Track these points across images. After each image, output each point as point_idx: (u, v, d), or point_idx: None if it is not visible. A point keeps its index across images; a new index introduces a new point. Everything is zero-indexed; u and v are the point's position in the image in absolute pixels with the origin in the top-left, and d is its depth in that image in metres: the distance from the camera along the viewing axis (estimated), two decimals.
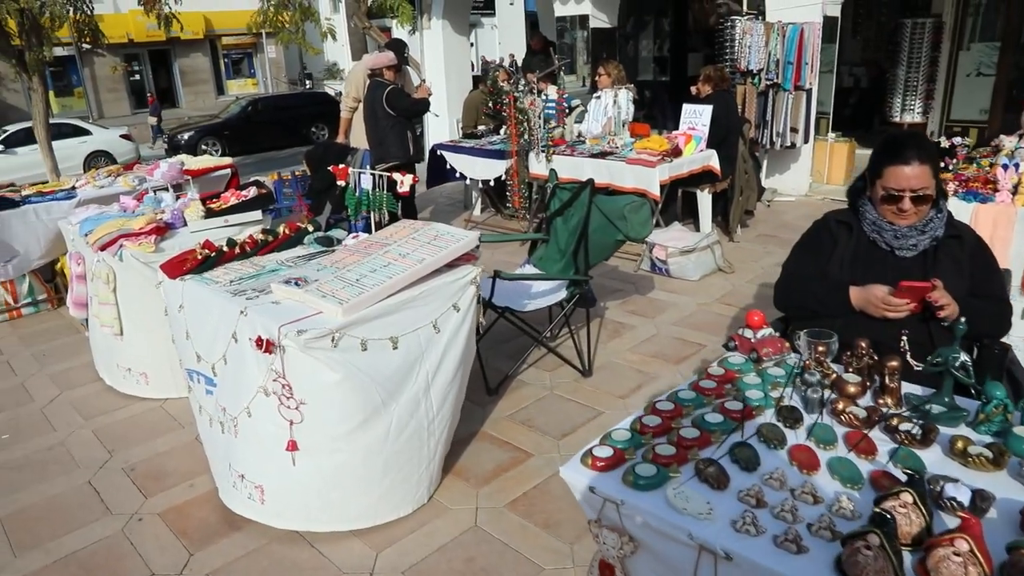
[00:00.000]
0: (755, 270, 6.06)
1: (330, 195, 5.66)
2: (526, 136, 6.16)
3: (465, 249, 3.08)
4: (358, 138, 7.00)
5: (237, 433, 2.93)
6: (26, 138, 13.46)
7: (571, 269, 4.16)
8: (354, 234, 3.58)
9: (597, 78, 7.23)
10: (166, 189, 5.14)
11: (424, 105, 6.61)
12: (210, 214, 4.14)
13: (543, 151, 6.17)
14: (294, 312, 2.73)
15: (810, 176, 8.80)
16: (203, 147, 16.62)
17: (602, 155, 6.00)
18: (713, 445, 1.87)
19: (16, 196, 5.61)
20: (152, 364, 4.11)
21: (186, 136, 16.70)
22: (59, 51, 17.12)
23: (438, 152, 7.07)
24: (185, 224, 4.22)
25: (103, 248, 3.88)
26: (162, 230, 3.98)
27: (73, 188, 5.88)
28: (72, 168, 13.15)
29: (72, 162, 13.50)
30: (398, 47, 6.68)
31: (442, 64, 10.94)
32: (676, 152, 5.76)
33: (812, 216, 7.54)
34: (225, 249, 3.43)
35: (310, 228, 3.67)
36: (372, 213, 3.69)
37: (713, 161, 6.19)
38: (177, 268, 3.32)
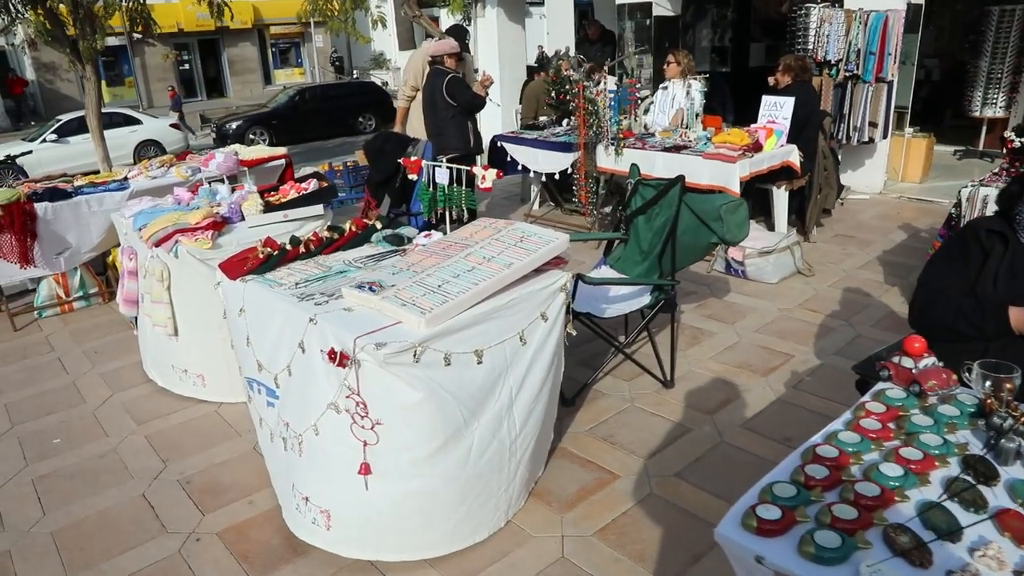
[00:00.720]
0: (836, 273, 5.64)
1: (389, 188, 5.39)
2: (595, 128, 5.80)
3: (556, 252, 2.77)
4: (415, 129, 6.72)
5: (302, 452, 2.67)
6: (79, 127, 13.51)
7: (655, 272, 3.82)
8: (426, 232, 3.29)
9: (665, 67, 6.84)
10: (221, 181, 4.93)
11: (481, 103, 6.29)
12: (269, 208, 3.89)
13: (612, 144, 5.81)
14: (369, 321, 2.45)
15: (885, 173, 8.27)
16: (251, 136, 16.58)
17: (675, 149, 5.62)
18: (897, 504, 1.52)
19: (68, 187, 5.45)
20: (209, 366, 3.89)
21: (234, 125, 16.65)
22: (111, 40, 17.25)
23: (498, 143, 6.77)
24: (242, 218, 3.98)
25: (158, 244, 3.66)
26: (219, 225, 3.74)
27: (125, 179, 5.71)
28: (123, 157, 13.18)
29: (123, 151, 13.53)
30: (459, 34, 6.38)
31: (496, 54, 10.61)
32: (757, 147, 5.36)
33: (888, 216, 7.06)
34: (288, 247, 3.17)
35: (378, 225, 3.39)
36: (448, 210, 3.39)
37: (793, 157, 5.77)
38: (237, 268, 3.07)
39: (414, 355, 2.31)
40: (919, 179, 8.41)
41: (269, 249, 3.11)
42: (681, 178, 3.63)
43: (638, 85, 6.32)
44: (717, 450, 3.41)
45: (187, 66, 22.04)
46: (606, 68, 7.13)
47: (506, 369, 2.62)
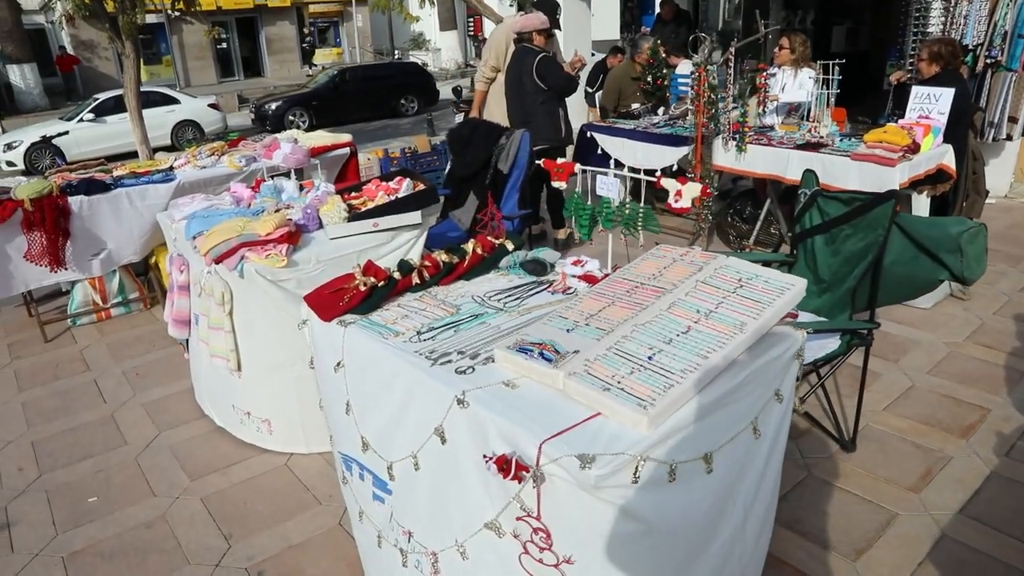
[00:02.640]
0: (996, 297, 4.75)
1: (476, 185, 4.60)
2: (716, 120, 4.94)
3: (794, 303, 1.96)
4: (493, 116, 5.92)
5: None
6: (115, 107, 12.92)
7: (844, 310, 2.99)
8: (576, 260, 2.49)
9: (776, 51, 5.94)
10: (286, 175, 4.18)
11: (575, 86, 5.47)
12: (355, 216, 3.12)
13: (735, 138, 4.95)
14: (547, 408, 1.66)
15: (1012, 175, 7.31)
16: (290, 118, 15.94)
17: (811, 147, 4.75)
18: None
19: (107, 178, 4.74)
20: (278, 411, 3.15)
21: (273, 106, 15.98)
22: (148, 18, 16.63)
23: (588, 134, 5.94)
24: (320, 226, 3.21)
25: (219, 260, 2.91)
26: (295, 237, 2.98)
27: (171, 169, 4.99)
28: (160, 138, 12.58)
29: (160, 131, 12.92)
30: (549, 7, 5.54)
31: (561, 35, 9.71)
32: (915, 147, 4.47)
33: (1021, 224, 5.81)
34: (396, 276, 2.39)
35: (509, 246, 2.60)
36: (622, 234, 2.60)
37: (948, 158, 4.87)
38: (331, 303, 2.30)
39: (635, 473, 1.52)
40: None
41: (372, 279, 2.34)
42: (892, 194, 2.80)
43: (771, 71, 5.42)
44: (942, 550, 2.59)
45: (224, 45, 21.37)
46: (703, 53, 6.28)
47: (739, 475, 1.83)
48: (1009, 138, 6.61)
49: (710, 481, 1.73)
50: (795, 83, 5.83)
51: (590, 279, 2.45)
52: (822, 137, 5.00)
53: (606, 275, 2.42)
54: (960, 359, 3.95)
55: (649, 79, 6.24)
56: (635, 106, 6.35)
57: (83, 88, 18.41)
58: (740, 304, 1.90)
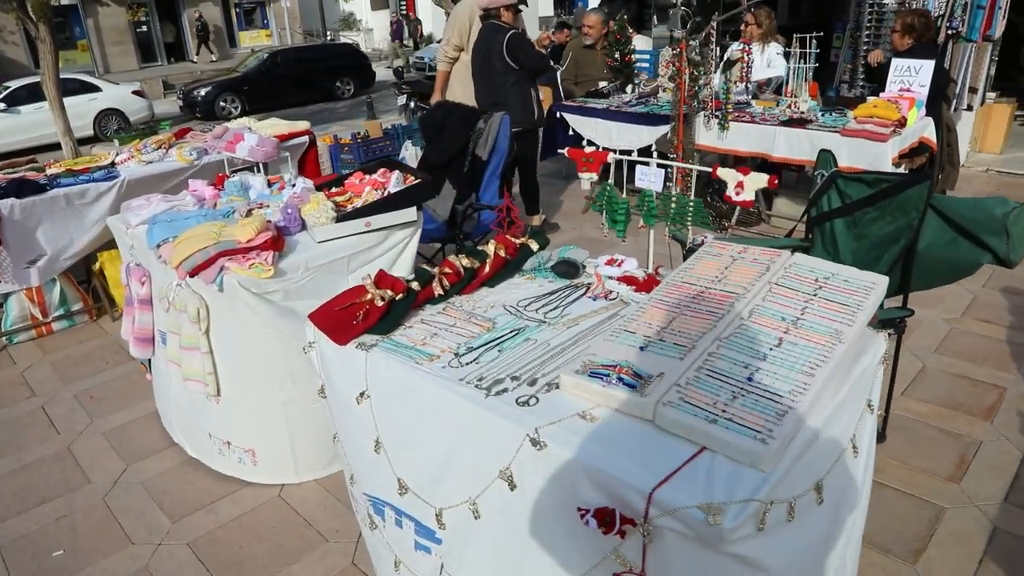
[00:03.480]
0: (983, 270, 4.73)
1: (452, 172, 4.29)
2: (698, 97, 4.74)
3: (877, 304, 1.76)
4: (457, 98, 5.59)
5: None
6: (29, 95, 11.99)
7: None
8: (610, 259, 2.24)
9: (743, 28, 5.79)
10: (250, 169, 3.80)
11: (547, 64, 5.20)
12: (344, 215, 2.79)
13: (717, 116, 4.77)
14: (642, 446, 1.42)
15: (968, 144, 7.40)
16: (221, 104, 15.18)
17: (797, 123, 4.61)
18: None
19: (40, 177, 4.24)
20: (264, 439, 2.82)
21: (202, 92, 15.15)
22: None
23: (557, 115, 5.67)
24: (303, 228, 2.88)
25: (194, 273, 2.55)
26: (279, 242, 2.64)
27: (113, 165, 4.51)
28: (82, 128, 11.71)
29: (82, 121, 12.02)
30: None
31: None
32: (902, 122, 4.38)
33: (983, 193, 5.98)
34: (415, 287, 2.10)
35: (533, 246, 2.33)
36: (668, 231, 2.35)
37: (929, 131, 4.82)
38: (344, 324, 1.99)
39: (761, 519, 1.30)
40: (999, 149, 7.57)
41: (389, 291, 2.04)
42: (928, 175, 2.64)
43: (750, 46, 5.24)
44: (998, 545, 2.48)
45: (145, 28, 20.13)
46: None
47: (843, 499, 1.63)
48: (969, 108, 6.67)
49: (822, 513, 1.53)
50: (763, 59, 5.70)
51: (630, 281, 2.21)
52: (803, 112, 4.88)
53: (650, 276, 2.19)
54: (964, 336, 3.89)
55: (616, 56, 6.00)
56: (602, 84, 6.11)
57: None
58: (826, 308, 1.69)
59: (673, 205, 2.39)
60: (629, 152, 5.38)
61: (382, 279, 2.12)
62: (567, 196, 6.47)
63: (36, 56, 16.89)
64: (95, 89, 13.17)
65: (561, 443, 1.45)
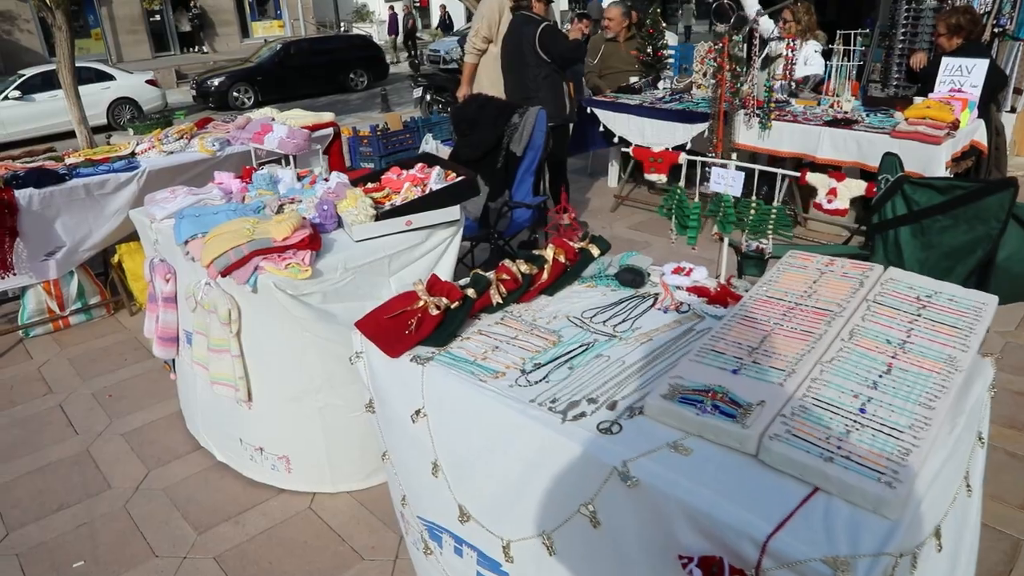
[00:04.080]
0: None
1: (485, 169, 4.13)
2: (739, 95, 4.57)
3: (986, 329, 1.60)
4: (485, 91, 5.44)
5: None
6: (43, 84, 11.89)
7: None
8: (678, 267, 2.08)
9: (781, 24, 5.61)
10: (278, 161, 3.65)
11: (582, 55, 5.04)
12: (384, 213, 2.64)
13: (758, 115, 4.60)
14: (746, 485, 1.27)
15: (1011, 149, 7.19)
16: (234, 94, 15.08)
17: (843, 124, 4.44)
18: None
19: (59, 167, 4.10)
20: (298, 446, 2.68)
21: (216, 82, 15.04)
22: None
23: (588, 110, 5.51)
24: (338, 225, 2.73)
25: (227, 272, 2.40)
26: (316, 241, 2.49)
27: (133, 155, 4.37)
28: (95, 117, 11.58)
29: (95, 110, 11.91)
30: None
31: None
32: (956, 124, 4.21)
33: None
34: (471, 295, 1.95)
35: (594, 251, 2.18)
36: (747, 240, 2.18)
37: (980, 134, 4.65)
38: (395, 334, 1.84)
39: (893, 569, 1.14)
40: None
41: (444, 299, 1.89)
42: (1010, 182, 2.48)
43: (796, 41, 5.07)
44: None
45: (158, 18, 19.99)
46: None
47: (958, 543, 1.48)
48: (1012, 110, 6.47)
49: (940, 561, 1.38)
50: (800, 56, 5.52)
51: (701, 292, 2.06)
52: (846, 112, 4.71)
53: (723, 287, 2.03)
54: (1020, 351, 3.72)
55: (649, 50, 5.83)
56: (633, 79, 5.94)
57: (3, 63, 16.95)
58: (935, 331, 1.54)
59: (752, 212, 2.22)
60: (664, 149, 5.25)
61: (435, 285, 1.98)
62: (594, 194, 6.31)
63: (51, 44, 16.76)
64: (109, 78, 13.06)
65: (654, 479, 1.30)
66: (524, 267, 2.06)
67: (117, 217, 4.17)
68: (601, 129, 5.53)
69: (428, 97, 12.47)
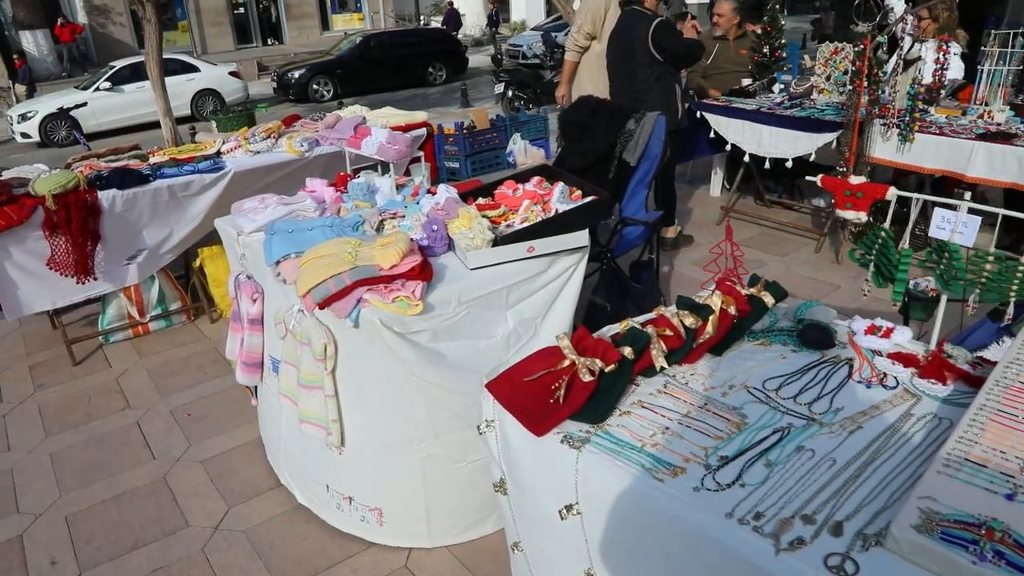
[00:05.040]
0: None
1: (594, 179, 3.73)
2: (878, 103, 4.04)
3: None
4: (585, 92, 5.05)
5: None
6: (132, 75, 12.08)
7: None
8: (871, 324, 1.67)
9: (916, 23, 5.01)
10: (374, 167, 3.36)
11: (699, 53, 4.59)
12: (505, 237, 2.28)
13: (898, 125, 4.07)
14: None
15: None
16: (314, 86, 15.07)
17: (1001, 138, 3.87)
18: None
19: (143, 166, 3.91)
20: (394, 498, 2.36)
21: (296, 74, 15.07)
22: None
23: (698, 114, 5.06)
24: (448, 248, 2.39)
25: (325, 304, 2.09)
26: (428, 271, 2.15)
27: (219, 154, 4.16)
28: (180, 108, 11.70)
29: (180, 101, 12.04)
30: None
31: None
32: None
33: None
34: (628, 355, 1.58)
35: (767, 300, 1.77)
36: (972, 301, 1.74)
37: None
38: (538, 405, 1.49)
39: None
40: None
41: (598, 361, 1.52)
42: None
43: (946, 43, 4.51)
44: None
45: (242, 10, 20.30)
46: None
47: None
48: None
49: None
50: (933, 58, 4.92)
51: (909, 361, 1.63)
52: (999, 124, 4.13)
53: (936, 356, 1.60)
54: None
55: (765, 51, 5.33)
56: (746, 82, 5.44)
57: (98, 55, 17.44)
58: None
59: (989, 267, 1.76)
60: (783, 161, 4.76)
61: (583, 340, 1.61)
62: (696, 203, 5.85)
63: (141, 37, 17.16)
64: (194, 69, 13.20)
65: None
66: (688, 320, 1.67)
67: (200, 219, 3.97)
68: (712, 135, 5.07)
69: (510, 93, 12.14)
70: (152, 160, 4.04)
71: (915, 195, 2.11)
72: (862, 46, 3.91)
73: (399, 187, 2.97)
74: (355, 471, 2.35)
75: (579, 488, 1.37)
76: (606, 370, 1.53)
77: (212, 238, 4.12)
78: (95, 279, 3.74)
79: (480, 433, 1.58)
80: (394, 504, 2.36)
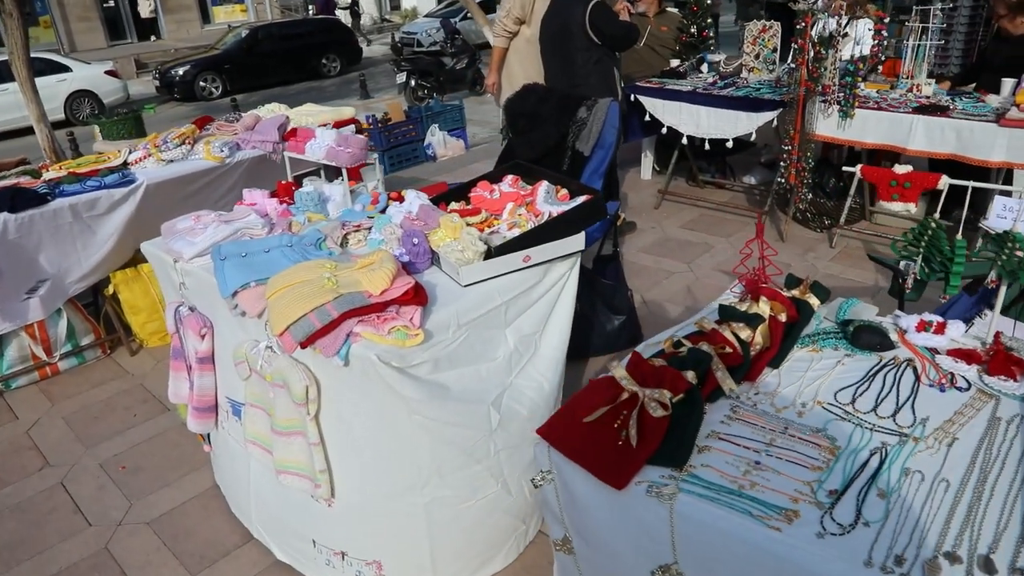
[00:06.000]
0: None
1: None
2: (821, 81, 4.02)
3: None
4: (515, 79, 4.85)
5: None
6: None
7: None
8: (922, 320, 1.56)
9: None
10: (316, 173, 3.03)
11: (636, 35, 4.47)
12: (499, 248, 2.05)
13: (839, 101, 4.08)
14: None
15: None
16: (201, 83, 14.16)
17: (935, 110, 3.93)
18: None
19: (38, 184, 3.42)
20: (396, 549, 2.09)
21: (180, 71, 14.10)
22: None
23: (632, 97, 4.94)
24: (431, 263, 2.14)
25: (308, 343, 1.79)
26: (422, 294, 1.89)
27: (126, 165, 3.69)
28: (52, 111, 10.56)
29: (52, 104, 10.86)
30: None
31: None
32: None
33: None
34: (691, 378, 1.39)
35: (812, 301, 1.63)
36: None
37: None
38: (608, 450, 1.29)
39: None
40: None
41: (666, 392, 1.33)
42: None
43: (885, 20, 4.54)
44: None
45: (112, 3, 18.76)
46: None
47: None
48: None
49: None
50: (852, 35, 5.02)
51: (971, 357, 1.53)
52: (929, 97, 4.22)
53: (998, 348, 1.51)
54: None
55: (693, 30, 5.27)
56: (675, 62, 5.38)
57: None
58: None
59: None
60: (724, 142, 4.72)
61: (640, 367, 1.42)
62: (629, 188, 5.76)
63: None
64: (64, 69, 12.07)
65: None
66: (744, 332, 1.51)
67: (113, 242, 3.52)
68: (647, 119, 4.97)
69: (412, 83, 11.75)
70: (46, 176, 3.54)
71: (969, 183, 2.02)
72: (803, 23, 3.89)
73: (354, 195, 2.68)
74: (349, 524, 2.07)
75: (677, 546, 1.18)
76: (675, 400, 1.34)
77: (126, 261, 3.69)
78: None
79: (536, 487, 1.36)
80: (395, 555, 2.10)
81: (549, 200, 2.26)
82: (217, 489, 2.68)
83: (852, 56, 4.12)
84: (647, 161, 5.90)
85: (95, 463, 2.95)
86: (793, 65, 4.08)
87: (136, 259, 3.79)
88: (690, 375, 1.40)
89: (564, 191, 2.33)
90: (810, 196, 4.48)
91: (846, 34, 4.56)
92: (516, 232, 2.14)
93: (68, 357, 3.66)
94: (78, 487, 2.81)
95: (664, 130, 4.94)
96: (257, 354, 2.01)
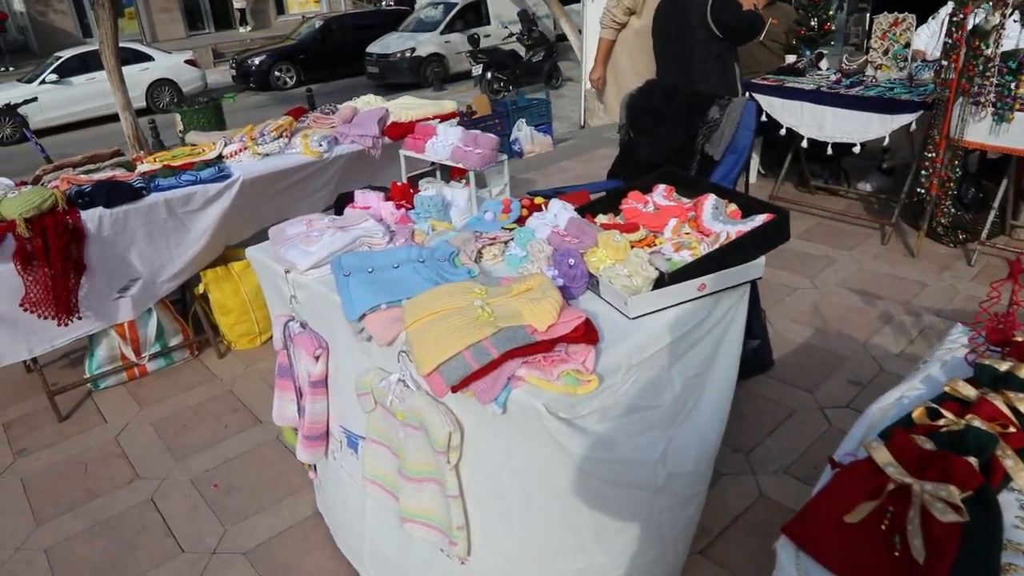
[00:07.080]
0: None
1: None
2: (979, 81, 3.58)
3: None
4: (624, 74, 4.53)
5: None
6: (80, 66, 11.12)
7: None
8: None
9: None
10: (433, 174, 2.77)
11: (762, 26, 4.09)
12: (674, 275, 1.74)
13: (993, 104, 3.63)
14: None
15: None
16: (276, 73, 14.26)
17: None
18: None
19: (132, 177, 3.26)
20: None
21: (256, 61, 14.21)
22: None
23: (747, 95, 4.56)
24: (586, 288, 1.84)
25: (461, 387, 1.52)
26: (592, 331, 1.59)
27: (221, 158, 3.51)
28: (134, 100, 10.72)
29: (134, 92, 10.95)
30: None
31: None
32: None
33: None
34: (975, 465, 1.07)
35: None
36: None
37: None
38: (883, 564, 0.97)
39: None
40: None
41: (955, 489, 1.00)
42: None
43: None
44: None
45: None
46: None
47: None
48: None
49: None
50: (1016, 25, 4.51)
51: None
52: None
53: None
54: None
55: (814, 24, 4.85)
56: (790, 58, 4.96)
57: (39, 45, 16.18)
58: None
59: None
60: (850, 147, 4.30)
61: (906, 449, 1.09)
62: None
63: (86, 25, 16.01)
64: (147, 58, 12.26)
65: None
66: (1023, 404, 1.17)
67: (206, 240, 3.35)
68: (764, 119, 4.58)
69: (489, 75, 11.50)
70: (141, 168, 3.38)
71: None
72: (961, 15, 3.45)
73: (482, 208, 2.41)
74: None
75: None
76: (963, 497, 1.02)
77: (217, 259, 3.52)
78: (80, 319, 3.09)
79: None
80: None
81: (719, 217, 1.94)
82: (318, 518, 2.45)
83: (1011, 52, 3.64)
84: (753, 164, 5.50)
85: (186, 478, 2.76)
86: (945, 62, 3.64)
87: (225, 256, 3.63)
88: (972, 460, 1.07)
89: (733, 206, 2.00)
90: (954, 210, 4.02)
91: (996, 26, 4.08)
92: (685, 254, 1.83)
93: (156, 358, 3.51)
94: (169, 505, 2.63)
95: (783, 131, 4.54)
96: (387, 388, 1.75)
